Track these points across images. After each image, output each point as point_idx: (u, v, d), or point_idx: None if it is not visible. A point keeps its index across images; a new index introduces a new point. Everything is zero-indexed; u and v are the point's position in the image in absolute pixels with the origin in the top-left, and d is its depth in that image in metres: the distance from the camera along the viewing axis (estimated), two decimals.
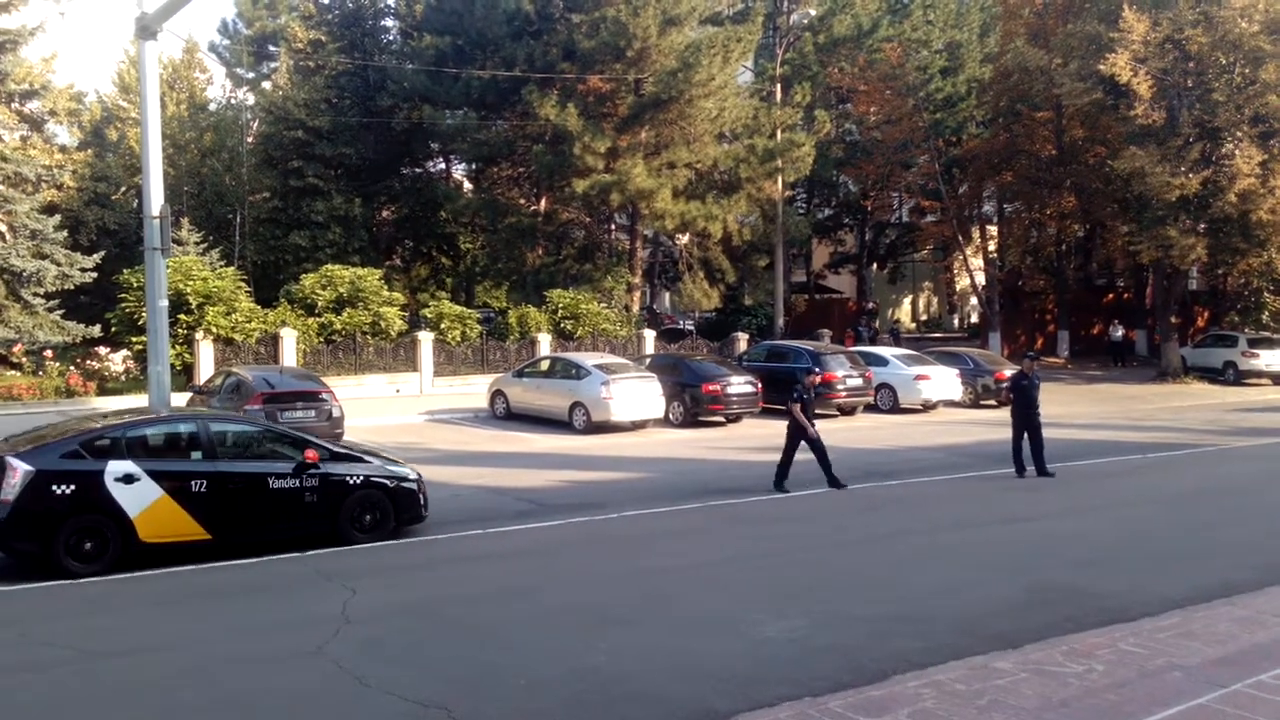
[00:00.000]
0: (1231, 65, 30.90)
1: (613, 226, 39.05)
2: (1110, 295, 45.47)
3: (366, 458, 12.02)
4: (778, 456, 17.89)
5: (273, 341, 25.41)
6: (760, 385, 22.41)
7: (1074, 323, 41.31)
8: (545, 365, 23.00)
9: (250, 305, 26.23)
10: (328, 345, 26.28)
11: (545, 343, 28.18)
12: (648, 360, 24.34)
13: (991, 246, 42.79)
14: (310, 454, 11.27)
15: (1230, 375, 32.91)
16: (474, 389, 25.88)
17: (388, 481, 11.71)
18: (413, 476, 11.99)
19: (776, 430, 21.31)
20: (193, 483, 10.56)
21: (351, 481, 11.45)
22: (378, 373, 26.55)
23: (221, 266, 29.44)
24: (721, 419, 22.23)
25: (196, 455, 10.84)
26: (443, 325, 27.97)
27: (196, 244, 32.25)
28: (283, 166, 36.05)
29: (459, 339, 28.01)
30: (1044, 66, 33.81)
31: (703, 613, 8.53)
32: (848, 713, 6.04)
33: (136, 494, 10.26)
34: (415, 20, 39.21)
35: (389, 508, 11.62)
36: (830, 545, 11.37)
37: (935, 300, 55.09)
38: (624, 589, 9.40)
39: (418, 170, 42.92)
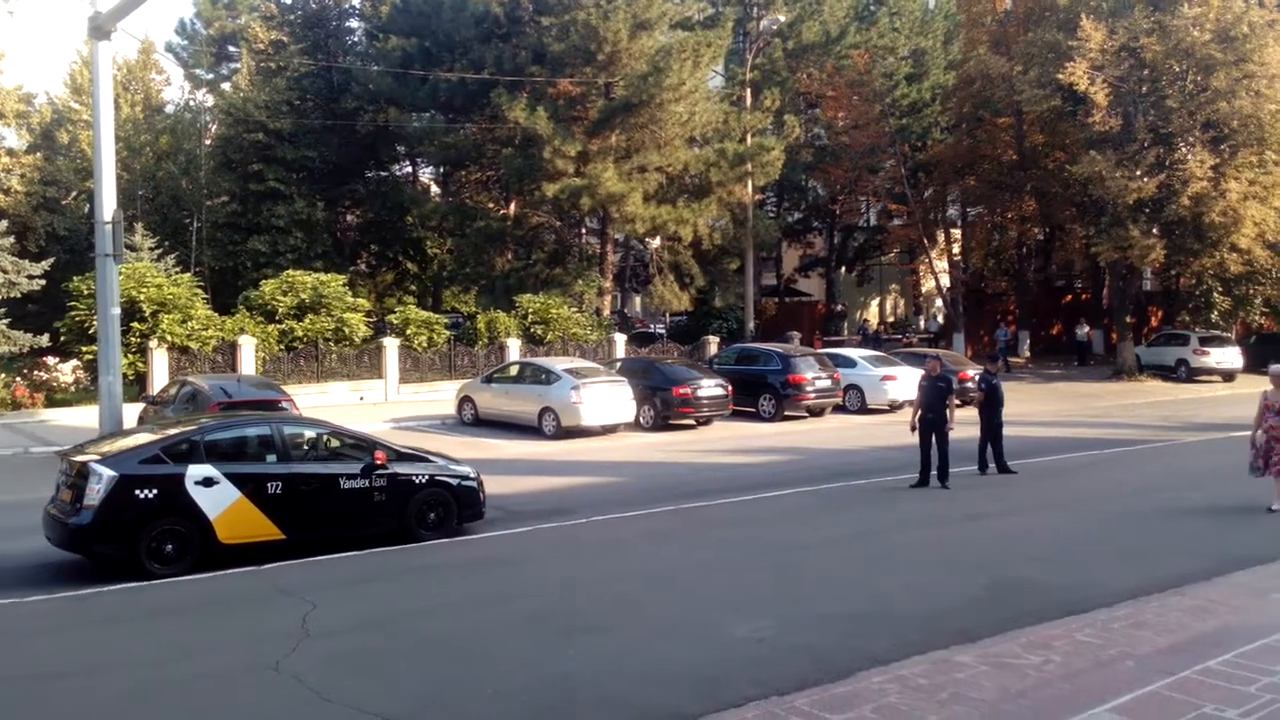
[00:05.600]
0: (1184, 73, 31.43)
1: (583, 230, 38.85)
2: (1069, 296, 46.07)
3: (430, 457, 12.36)
4: (749, 458, 18.23)
5: (231, 350, 24.71)
6: (731, 388, 22.49)
7: (1034, 323, 41.83)
8: (514, 370, 22.79)
9: (207, 313, 25.48)
10: (289, 353, 25.62)
11: (514, 348, 27.88)
12: (618, 364, 24.28)
13: (956, 249, 43.25)
14: (379, 455, 11.55)
15: (1183, 373, 33.44)
16: (441, 395, 25.58)
17: (451, 480, 12.05)
18: (473, 475, 12.30)
19: (747, 432, 21.85)
20: (269, 485, 10.81)
21: (418, 481, 11.75)
22: (341, 380, 25.99)
23: (177, 273, 28.49)
24: (692, 422, 22.22)
25: (271, 458, 11.08)
26: (409, 331, 27.48)
27: (151, 250, 31.13)
28: (242, 170, 35.07)
29: (426, 345, 27.55)
30: (1005, 74, 34.24)
31: (673, 616, 8.52)
32: (814, 710, 6.07)
33: (216, 496, 10.50)
34: (381, 21, 38.44)
35: (452, 506, 11.96)
36: (800, 546, 11.40)
37: (902, 302, 55.53)
38: (595, 595, 9.34)
39: (383, 174, 42.08)
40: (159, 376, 23.47)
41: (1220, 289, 36.23)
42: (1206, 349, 33.45)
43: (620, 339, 30.43)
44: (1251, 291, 35.83)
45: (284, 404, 15.23)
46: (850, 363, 25.59)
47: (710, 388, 22.11)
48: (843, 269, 48.20)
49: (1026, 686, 6.39)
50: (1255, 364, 34.09)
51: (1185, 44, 30.41)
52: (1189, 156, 30.82)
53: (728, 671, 7.03)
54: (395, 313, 29.49)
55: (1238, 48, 30.08)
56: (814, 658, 7.24)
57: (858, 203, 44.92)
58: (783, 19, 37.84)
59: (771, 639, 7.78)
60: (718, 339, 32.56)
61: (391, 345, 26.87)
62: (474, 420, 22.45)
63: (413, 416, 23.24)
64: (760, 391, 23.61)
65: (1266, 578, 9.03)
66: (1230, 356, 33.13)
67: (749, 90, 36.65)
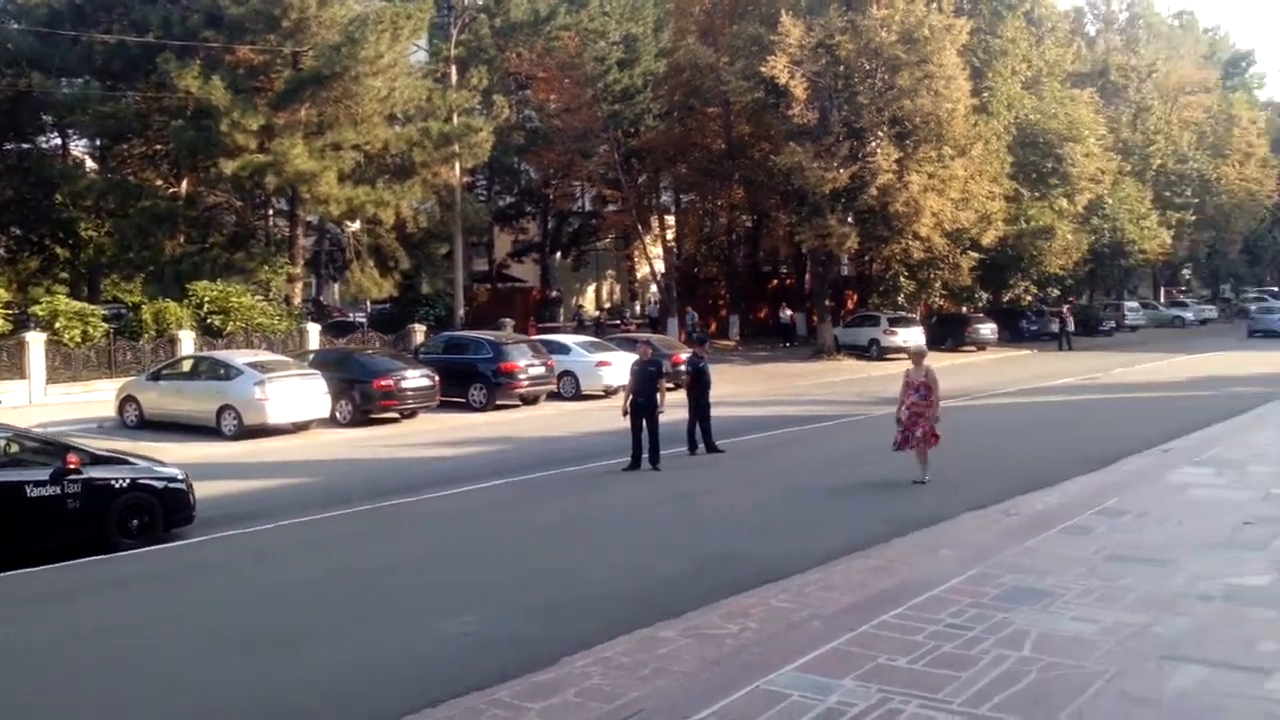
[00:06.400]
0: (874, 71, 34.66)
1: (270, 212, 37.06)
2: (775, 281, 49.55)
3: (132, 460, 12.15)
4: (457, 450, 18.29)
5: None
6: (438, 378, 22.42)
7: (743, 307, 44.63)
8: (188, 365, 21.97)
9: None
10: None
11: (188, 341, 26.23)
12: (311, 356, 23.71)
13: (670, 235, 45.21)
14: (71, 459, 11.10)
15: (875, 351, 37.16)
16: (100, 396, 23.72)
17: (156, 483, 11.78)
18: (181, 476, 12.07)
19: (456, 424, 21.86)
20: None
21: (117, 485, 11.41)
22: None
23: None
24: (396, 415, 22.01)
25: None
26: (58, 325, 25.13)
27: None
28: None
29: (80, 340, 25.29)
30: (713, 64, 36.14)
31: (374, 618, 8.40)
32: (516, 701, 6.12)
33: None
34: None
35: (158, 510, 11.66)
36: (509, 536, 11.54)
37: (619, 288, 57.34)
38: (283, 605, 9.03)
39: (25, 146, 37.40)
40: None
41: (906, 274, 40.38)
42: (895, 329, 37.26)
43: (314, 329, 29.47)
44: (932, 276, 40.23)
45: None
46: (564, 349, 26.20)
47: (415, 379, 22.02)
48: (558, 254, 49.03)
49: (723, 654, 6.78)
50: (935, 342, 38.74)
51: (874, 44, 33.56)
52: (877, 150, 34.01)
53: (432, 670, 7.01)
54: (41, 304, 26.83)
55: (919, 49, 33.60)
56: (521, 648, 7.34)
57: (572, 187, 45.82)
58: None
59: (479, 633, 7.84)
60: (425, 327, 32.21)
61: (36, 341, 24.44)
62: (139, 422, 21.05)
63: (64, 420, 21.26)
64: (471, 381, 23.68)
65: (936, 536, 10.17)
66: (915, 335, 36.82)
67: (454, 67, 36.30)
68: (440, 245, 36.41)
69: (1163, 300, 66.05)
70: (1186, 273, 74.93)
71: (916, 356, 13.79)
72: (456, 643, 7.63)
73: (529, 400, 24.41)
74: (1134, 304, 58.48)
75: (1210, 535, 9.43)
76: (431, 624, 8.09)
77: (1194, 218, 57.26)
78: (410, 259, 34.79)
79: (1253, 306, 58.45)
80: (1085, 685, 5.91)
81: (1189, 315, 60.80)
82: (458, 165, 34.54)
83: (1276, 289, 77.29)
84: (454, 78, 35.86)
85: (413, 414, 22.23)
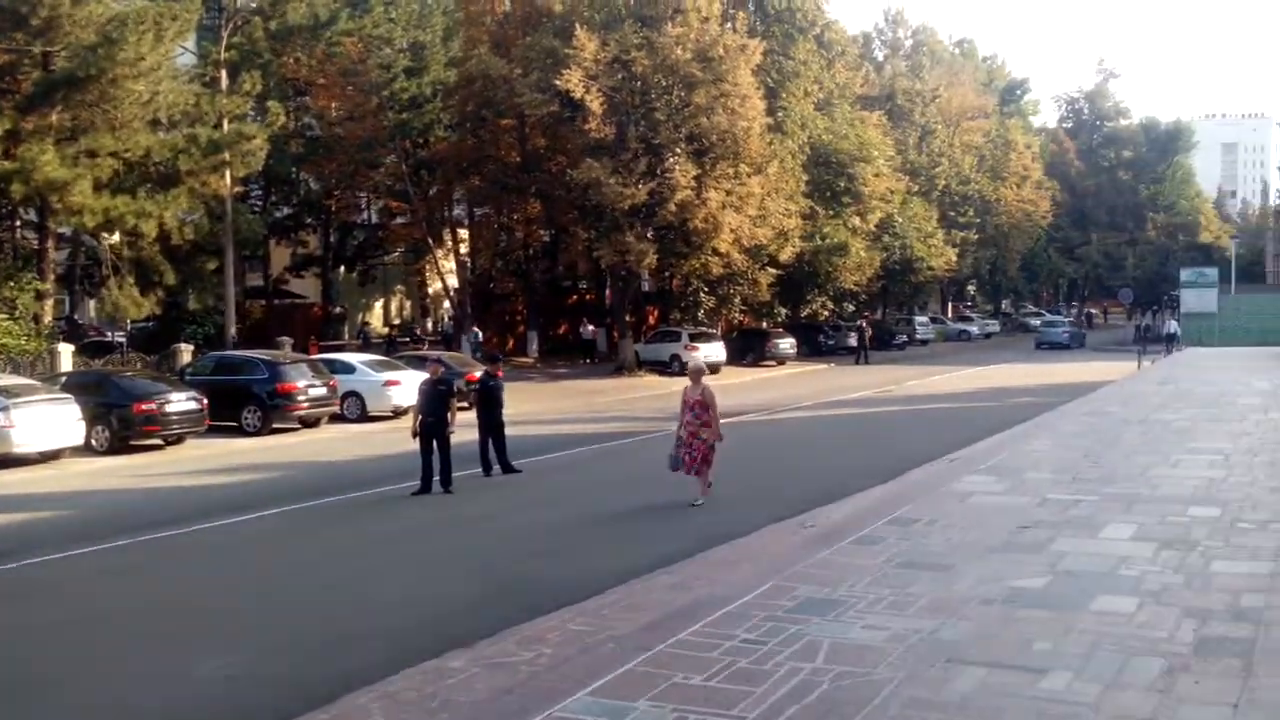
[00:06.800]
0: (670, 88, 35.58)
1: (17, 223, 34.55)
2: (574, 297, 49.91)
3: None
4: (227, 478, 17.66)
5: None
6: (206, 401, 21.73)
7: (542, 323, 44.69)
8: None
9: None
10: None
11: None
12: (63, 379, 22.54)
13: (464, 249, 44.75)
14: None
15: (676, 367, 37.77)
16: None
17: None
18: None
19: (227, 449, 21.21)
20: None
21: None
22: None
23: None
24: (160, 441, 21.15)
25: None
26: None
27: None
28: None
29: None
30: (506, 76, 36.09)
31: (120, 666, 7.92)
32: None
33: None
34: None
35: None
36: (283, 568, 11.11)
37: (409, 304, 56.28)
38: (24, 650, 8.40)
39: None
40: None
41: (706, 289, 41.53)
42: (696, 344, 38.17)
43: (66, 350, 27.82)
44: (731, 291, 41.58)
45: None
46: (349, 368, 25.64)
47: (180, 402, 21.33)
48: (342, 268, 47.70)
49: (516, 683, 6.64)
50: (737, 356, 40.18)
51: (670, 61, 34.47)
52: (675, 167, 34.87)
53: (184, 718, 6.71)
54: None
55: (715, 68, 34.76)
56: (294, 687, 7.09)
57: (356, 198, 44.90)
58: None
59: (244, 672, 7.57)
60: (192, 347, 31.00)
61: None
62: None
63: None
64: (244, 403, 23.03)
65: (735, 550, 10.36)
66: (716, 350, 38.18)
67: (225, 72, 34.94)
68: (209, 259, 34.89)
69: (950, 315, 71.09)
70: (971, 289, 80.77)
71: (694, 374, 13.90)
72: (215, 686, 7.31)
73: (309, 423, 23.84)
74: (924, 319, 62.51)
75: (991, 540, 10.04)
76: (190, 667, 7.71)
77: (976, 236, 62.03)
78: (176, 274, 33.03)
79: (1038, 321, 64.76)
80: (875, 693, 6.12)
81: (974, 329, 65.70)
82: (229, 174, 33.29)
83: (1052, 305, 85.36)
84: (225, 82, 34.56)
85: (179, 440, 21.53)
